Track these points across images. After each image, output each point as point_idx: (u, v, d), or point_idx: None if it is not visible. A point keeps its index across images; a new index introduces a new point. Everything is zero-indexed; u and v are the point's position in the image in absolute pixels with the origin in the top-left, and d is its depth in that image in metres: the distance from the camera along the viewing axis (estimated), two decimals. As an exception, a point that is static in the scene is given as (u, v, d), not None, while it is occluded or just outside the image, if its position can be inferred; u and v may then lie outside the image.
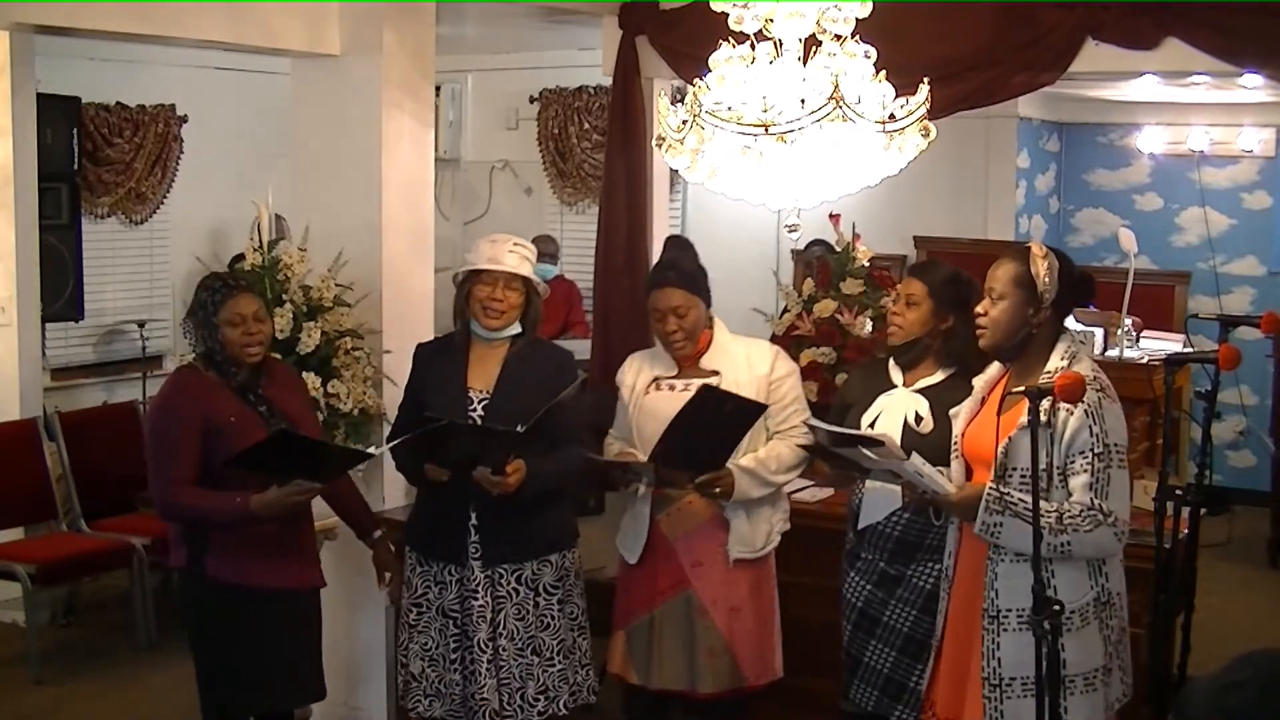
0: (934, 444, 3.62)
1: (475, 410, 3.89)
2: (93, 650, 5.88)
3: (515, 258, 3.91)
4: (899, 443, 3.61)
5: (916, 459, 3.35)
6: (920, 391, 3.83)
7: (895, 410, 3.81)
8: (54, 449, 6.14)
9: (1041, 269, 3.33)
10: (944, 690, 3.46)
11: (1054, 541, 3.15)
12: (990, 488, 3.22)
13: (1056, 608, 2.98)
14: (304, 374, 4.34)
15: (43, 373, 6.95)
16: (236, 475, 3.57)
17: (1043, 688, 3.01)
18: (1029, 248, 3.39)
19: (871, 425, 3.78)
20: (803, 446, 3.92)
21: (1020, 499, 3.18)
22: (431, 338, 4.53)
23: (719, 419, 3.80)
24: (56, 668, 5.66)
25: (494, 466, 3.75)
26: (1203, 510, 4.04)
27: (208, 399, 3.65)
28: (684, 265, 4.05)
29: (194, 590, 3.73)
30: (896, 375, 3.90)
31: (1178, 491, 3.84)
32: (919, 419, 3.77)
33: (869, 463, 3.57)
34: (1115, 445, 3.23)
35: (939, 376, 3.84)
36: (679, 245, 4.25)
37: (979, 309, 3.41)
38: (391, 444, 3.86)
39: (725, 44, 3.24)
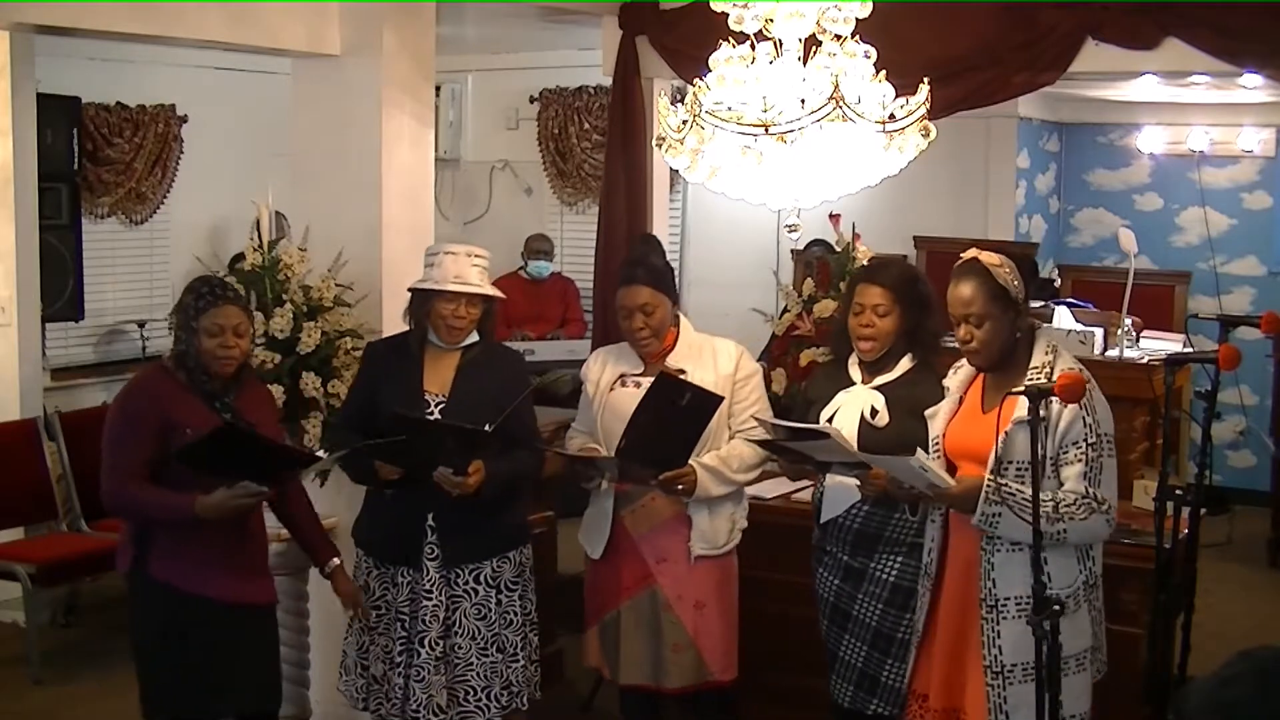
0: (889, 438, 3.65)
1: (432, 413, 3.90)
2: (93, 650, 5.87)
3: (477, 272, 3.91)
4: (856, 437, 3.69)
5: (921, 454, 3.36)
6: (878, 388, 3.84)
7: (851, 406, 3.83)
8: (54, 449, 6.14)
9: (1007, 275, 3.37)
10: (939, 682, 3.49)
11: (1050, 530, 3.21)
12: (989, 480, 3.26)
13: (1057, 608, 3.01)
14: (304, 374, 4.34)
15: (43, 373, 6.94)
16: (188, 479, 3.52)
17: (1043, 683, 3.02)
18: (977, 260, 3.39)
19: (830, 421, 3.81)
20: (756, 442, 3.93)
21: (1018, 489, 3.24)
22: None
23: (677, 410, 3.83)
24: (56, 668, 5.66)
25: (456, 467, 3.76)
26: (1203, 510, 4.04)
27: (171, 400, 3.61)
28: (652, 263, 4.09)
29: (137, 592, 3.67)
30: (855, 372, 3.90)
31: (1178, 491, 3.84)
32: (874, 413, 3.79)
33: (823, 455, 3.60)
34: (1105, 435, 3.31)
35: (897, 372, 3.85)
36: (646, 243, 4.30)
37: (961, 336, 3.40)
38: (357, 447, 3.75)
39: (725, 44, 3.24)
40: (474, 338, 3.99)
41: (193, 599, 3.61)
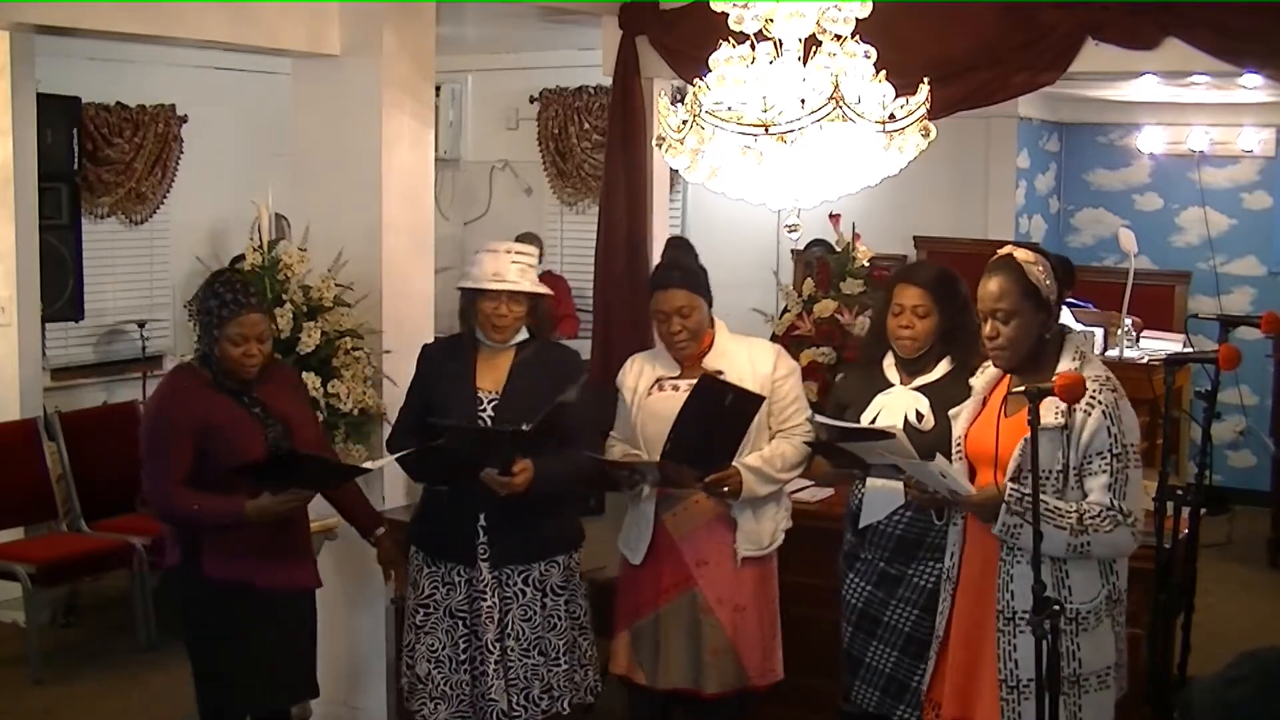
0: (935, 441, 3.60)
1: (485, 411, 3.90)
2: (93, 650, 5.88)
3: (517, 269, 3.90)
4: None
5: (941, 460, 3.29)
6: (919, 389, 3.82)
7: (895, 409, 3.79)
8: (54, 449, 6.14)
9: (1040, 274, 3.30)
10: (951, 691, 3.44)
11: (1074, 542, 3.15)
12: (1011, 489, 3.19)
13: (1056, 608, 2.98)
14: (304, 374, 4.34)
15: (43, 373, 6.95)
16: (228, 476, 3.59)
17: (1042, 688, 3.01)
18: (1011, 257, 3.34)
19: (872, 424, 3.76)
20: (807, 444, 3.91)
21: (1041, 499, 3.15)
22: (432, 338, 4.53)
23: (721, 411, 3.81)
24: (56, 668, 5.66)
25: (500, 467, 3.76)
26: (1203, 510, 4.04)
27: (202, 401, 3.67)
28: (687, 265, 4.06)
29: (190, 589, 3.74)
30: (893, 374, 3.88)
31: (1178, 491, 3.84)
32: (920, 417, 3.76)
33: (873, 458, 3.56)
34: (1131, 445, 3.22)
35: (938, 373, 3.83)
36: (680, 246, 4.28)
37: (987, 333, 3.34)
38: (396, 456, 3.86)
39: (725, 44, 3.24)
40: (525, 335, 3.98)
41: (248, 589, 3.67)
